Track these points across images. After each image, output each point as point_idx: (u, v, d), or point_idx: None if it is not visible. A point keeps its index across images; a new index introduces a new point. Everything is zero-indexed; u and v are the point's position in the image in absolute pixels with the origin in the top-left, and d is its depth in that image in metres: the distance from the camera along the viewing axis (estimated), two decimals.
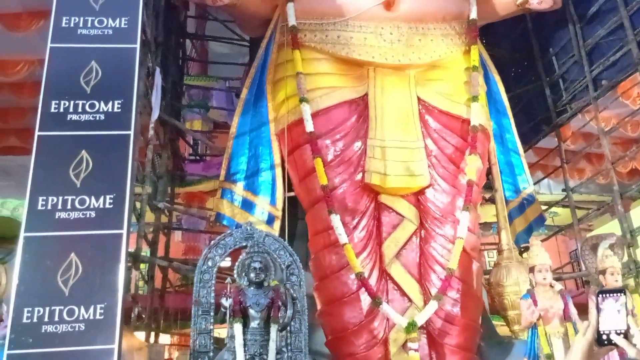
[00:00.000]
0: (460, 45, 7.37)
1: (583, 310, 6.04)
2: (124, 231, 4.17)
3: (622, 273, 6.30)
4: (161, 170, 8.14)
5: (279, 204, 6.88)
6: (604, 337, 1.30)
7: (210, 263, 5.53)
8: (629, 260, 7.40)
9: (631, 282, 7.20)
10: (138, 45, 4.92)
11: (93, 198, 4.23)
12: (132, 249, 6.10)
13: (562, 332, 5.62)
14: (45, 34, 4.96)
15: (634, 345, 1.28)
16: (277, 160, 7.04)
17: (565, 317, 5.65)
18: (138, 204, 6.83)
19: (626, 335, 1.27)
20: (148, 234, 7.53)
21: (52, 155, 4.38)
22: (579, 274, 8.97)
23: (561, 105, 9.24)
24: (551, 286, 5.87)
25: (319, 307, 6.23)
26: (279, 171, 6.99)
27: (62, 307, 3.83)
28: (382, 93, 6.84)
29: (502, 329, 7.27)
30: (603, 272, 6.09)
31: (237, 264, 5.43)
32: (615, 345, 1.31)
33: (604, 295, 1.36)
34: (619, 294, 1.35)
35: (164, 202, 7.88)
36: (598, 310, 1.34)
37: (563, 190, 9.06)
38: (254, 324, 5.05)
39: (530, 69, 9.72)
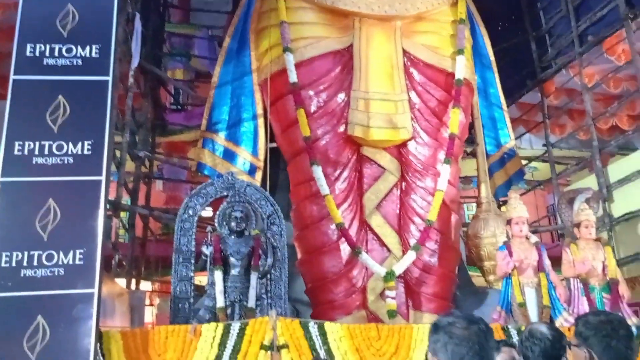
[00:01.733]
0: None
1: (556, 262, 6.24)
2: (103, 178, 4.14)
3: (597, 226, 6.44)
4: (141, 119, 8.03)
5: (261, 154, 6.87)
6: None
7: (191, 212, 5.55)
8: (604, 215, 7.56)
9: (605, 235, 7.38)
10: None
11: (71, 144, 4.17)
12: (112, 197, 6.09)
13: (536, 283, 5.79)
14: None
15: None
16: (259, 110, 6.99)
17: (539, 268, 5.81)
18: (118, 152, 6.77)
19: None
20: (128, 182, 7.49)
21: (28, 100, 4.28)
22: (555, 227, 9.17)
23: (546, 61, 9.23)
24: (527, 238, 6.01)
25: (299, 256, 6.32)
26: (261, 121, 6.95)
27: (41, 252, 3.83)
28: (367, 44, 6.73)
29: (477, 280, 7.46)
30: (578, 225, 6.23)
31: (218, 213, 5.47)
32: None
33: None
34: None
35: (145, 151, 7.81)
36: None
37: (544, 145, 9.15)
38: (234, 271, 5.14)
39: (517, 23, 9.63)
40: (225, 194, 5.61)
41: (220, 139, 6.96)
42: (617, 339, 1.54)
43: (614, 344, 1.54)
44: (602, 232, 7.44)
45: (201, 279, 5.98)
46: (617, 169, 7.87)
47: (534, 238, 6.10)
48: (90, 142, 4.22)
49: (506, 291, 5.79)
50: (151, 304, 9.41)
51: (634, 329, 4.81)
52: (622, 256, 7.38)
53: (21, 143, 4.09)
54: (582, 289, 5.90)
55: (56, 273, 3.80)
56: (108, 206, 5.16)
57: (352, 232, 6.09)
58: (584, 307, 5.69)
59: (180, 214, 5.52)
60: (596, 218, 6.53)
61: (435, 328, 1.22)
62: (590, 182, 8.08)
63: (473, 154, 7.97)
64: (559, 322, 5.37)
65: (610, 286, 5.94)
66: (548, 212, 10.05)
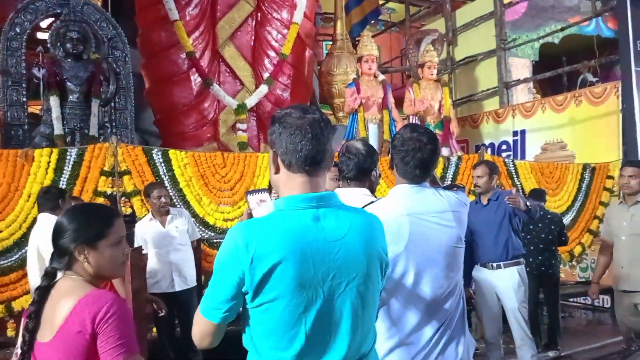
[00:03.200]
0: None
1: (400, 102, 6.64)
2: None
3: (439, 69, 6.85)
4: None
5: None
6: None
7: (18, 29, 4.94)
8: (447, 57, 8.03)
9: (445, 77, 7.90)
10: None
11: None
12: None
13: (379, 119, 6.16)
14: None
15: None
16: None
17: (383, 105, 6.15)
18: None
19: None
20: None
21: None
22: (404, 68, 9.59)
23: None
24: (375, 77, 6.25)
25: (147, 85, 6.04)
26: None
27: None
28: None
29: (328, 117, 7.72)
30: (422, 65, 6.58)
31: (51, 32, 4.94)
32: None
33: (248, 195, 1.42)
34: (260, 192, 1.41)
35: None
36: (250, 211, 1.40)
37: None
38: (72, 97, 4.80)
39: None
40: (58, 11, 5.03)
41: None
42: (412, 158, 1.67)
43: (408, 160, 1.68)
44: (444, 74, 7.95)
45: (38, 107, 5.52)
46: (464, 13, 8.23)
47: (382, 76, 6.35)
48: None
49: (351, 126, 6.11)
50: None
51: (446, 156, 5.37)
52: (457, 97, 8.04)
53: None
54: None
55: None
56: None
57: (204, 62, 5.87)
58: None
59: (5, 31, 4.90)
60: (439, 60, 6.93)
61: (272, 120, 1.19)
62: (440, 26, 8.41)
63: None
64: None
65: (444, 123, 6.53)
66: (401, 54, 10.41)
